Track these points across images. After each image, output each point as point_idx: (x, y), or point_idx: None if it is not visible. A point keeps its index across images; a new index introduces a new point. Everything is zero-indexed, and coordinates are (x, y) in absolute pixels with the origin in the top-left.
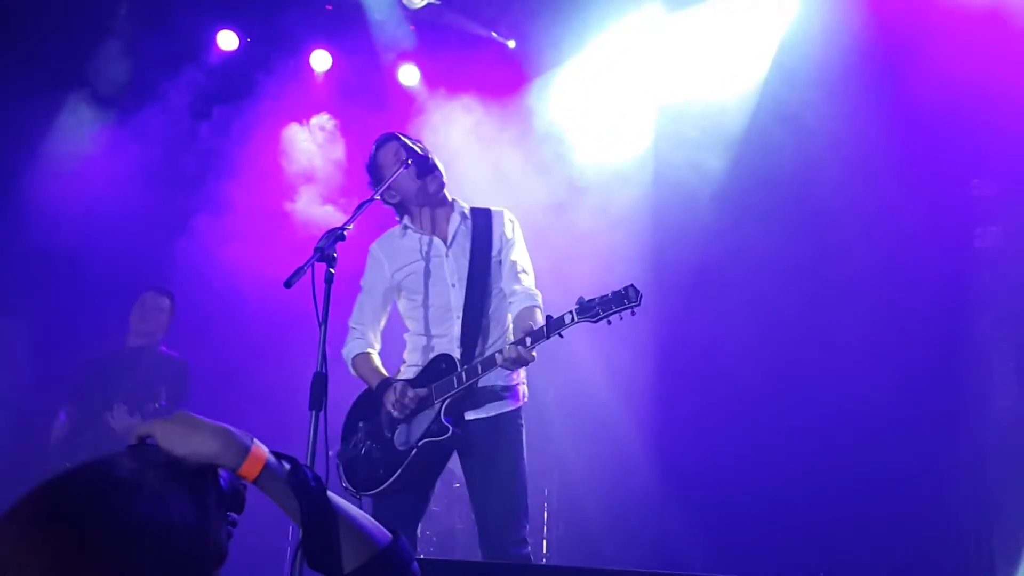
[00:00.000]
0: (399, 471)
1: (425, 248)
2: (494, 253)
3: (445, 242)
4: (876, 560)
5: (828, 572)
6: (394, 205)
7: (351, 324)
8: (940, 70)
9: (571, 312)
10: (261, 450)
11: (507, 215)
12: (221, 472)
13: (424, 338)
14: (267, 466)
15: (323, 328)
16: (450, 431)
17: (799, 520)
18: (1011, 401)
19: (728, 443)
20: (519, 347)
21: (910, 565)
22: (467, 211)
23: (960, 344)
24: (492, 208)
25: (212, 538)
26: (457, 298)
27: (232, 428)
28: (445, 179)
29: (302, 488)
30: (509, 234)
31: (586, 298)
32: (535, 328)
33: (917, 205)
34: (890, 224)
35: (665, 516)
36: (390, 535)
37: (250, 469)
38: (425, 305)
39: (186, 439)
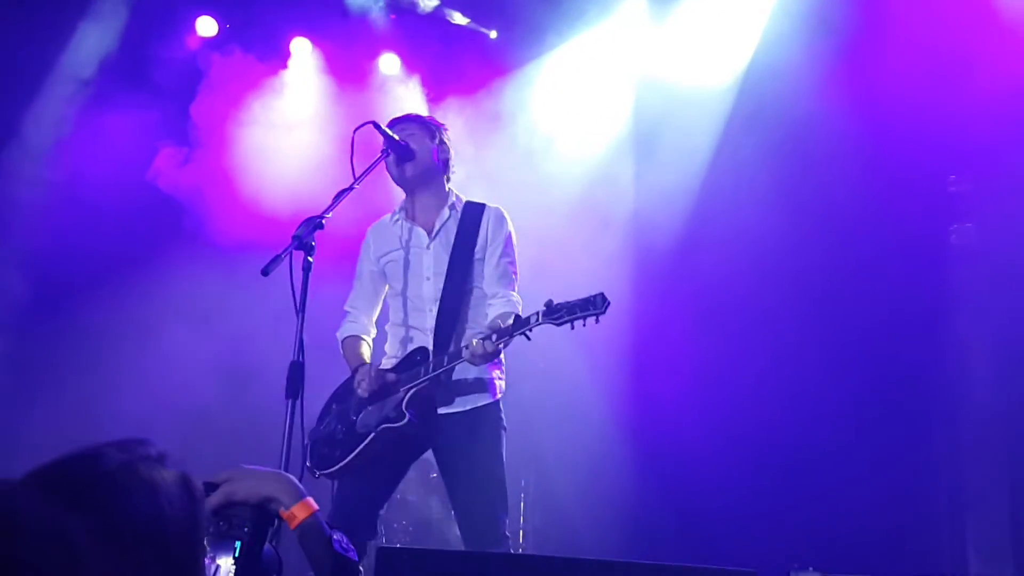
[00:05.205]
0: (353, 454)
1: (406, 237)
2: (477, 250)
3: (429, 233)
4: (851, 554)
5: (805, 562)
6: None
7: (346, 308)
8: (919, 65)
9: (537, 313)
10: (313, 503)
11: (501, 213)
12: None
13: (401, 329)
14: (315, 516)
15: (300, 316)
16: (407, 418)
17: (773, 510)
18: (987, 396)
19: (704, 434)
20: (484, 342)
21: (886, 556)
22: (459, 204)
23: (936, 340)
24: (488, 204)
25: (203, 529)
26: (432, 291)
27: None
28: (441, 168)
29: (342, 556)
30: (496, 233)
31: (555, 301)
32: (503, 326)
33: (893, 201)
34: (867, 219)
35: (641, 506)
36: None
37: (299, 512)
38: (403, 295)
39: (246, 481)
